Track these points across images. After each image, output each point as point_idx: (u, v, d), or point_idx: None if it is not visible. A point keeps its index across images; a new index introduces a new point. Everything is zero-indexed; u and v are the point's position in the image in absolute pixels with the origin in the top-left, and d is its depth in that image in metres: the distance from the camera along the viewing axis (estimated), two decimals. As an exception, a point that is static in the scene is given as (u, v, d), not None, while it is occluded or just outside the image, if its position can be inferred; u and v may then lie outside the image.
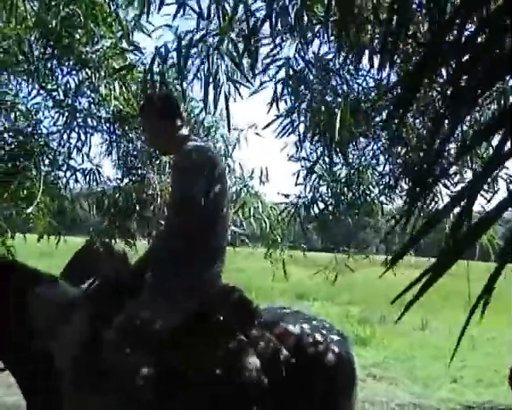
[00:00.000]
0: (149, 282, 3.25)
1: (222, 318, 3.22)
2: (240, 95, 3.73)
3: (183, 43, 3.27)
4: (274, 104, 3.89)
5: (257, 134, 5.97)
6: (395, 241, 5.51)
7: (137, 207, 5.23)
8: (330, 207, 5.09)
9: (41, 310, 3.19)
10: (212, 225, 3.27)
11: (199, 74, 3.47)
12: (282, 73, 3.73)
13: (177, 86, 3.67)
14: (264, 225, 5.81)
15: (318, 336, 3.25)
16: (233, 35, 3.40)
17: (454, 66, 1.70)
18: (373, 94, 4.37)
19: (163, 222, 3.44)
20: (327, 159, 4.83)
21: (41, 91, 5.36)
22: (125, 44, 5.20)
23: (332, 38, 3.65)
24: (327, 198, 5.07)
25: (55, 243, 5.64)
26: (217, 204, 3.26)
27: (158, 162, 5.29)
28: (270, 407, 3.12)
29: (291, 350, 3.16)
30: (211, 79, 3.37)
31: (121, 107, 4.94)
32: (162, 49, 3.40)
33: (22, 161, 5.20)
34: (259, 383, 3.09)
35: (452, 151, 3.93)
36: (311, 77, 4.06)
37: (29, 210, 5.08)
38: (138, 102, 4.95)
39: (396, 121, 3.61)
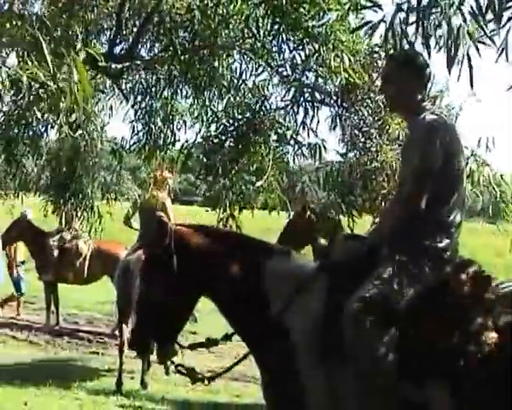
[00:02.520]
0: (386, 256, 3.16)
1: (461, 291, 3.07)
2: (479, 55, 3.42)
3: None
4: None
5: (478, 101, 5.56)
6: None
7: (362, 182, 5.15)
8: None
9: (276, 282, 3.20)
10: (448, 197, 3.15)
11: (437, 34, 3.25)
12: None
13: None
14: (494, 192, 5.46)
15: None
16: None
17: None
18: None
19: (396, 194, 3.33)
20: None
21: (267, 68, 5.42)
22: (351, 18, 5.08)
23: None
24: None
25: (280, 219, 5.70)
26: (453, 177, 3.14)
27: (386, 135, 5.14)
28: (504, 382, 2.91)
29: None
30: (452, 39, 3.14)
31: (351, 79, 4.82)
32: (404, 6, 3.21)
33: (251, 137, 5.29)
34: (498, 356, 2.93)
35: None
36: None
37: (258, 183, 5.17)
38: (368, 73, 4.83)
39: None
